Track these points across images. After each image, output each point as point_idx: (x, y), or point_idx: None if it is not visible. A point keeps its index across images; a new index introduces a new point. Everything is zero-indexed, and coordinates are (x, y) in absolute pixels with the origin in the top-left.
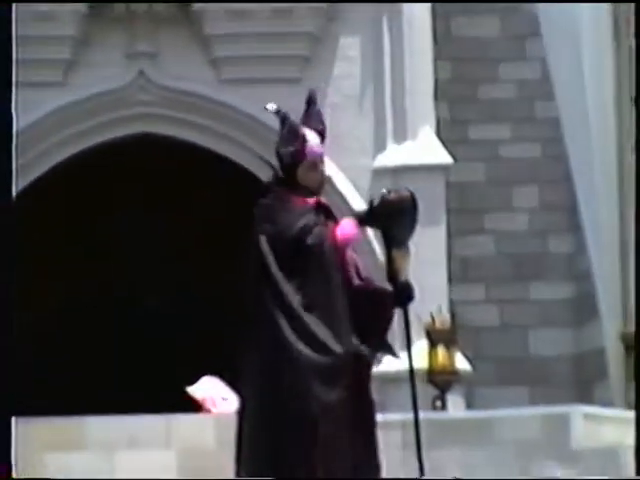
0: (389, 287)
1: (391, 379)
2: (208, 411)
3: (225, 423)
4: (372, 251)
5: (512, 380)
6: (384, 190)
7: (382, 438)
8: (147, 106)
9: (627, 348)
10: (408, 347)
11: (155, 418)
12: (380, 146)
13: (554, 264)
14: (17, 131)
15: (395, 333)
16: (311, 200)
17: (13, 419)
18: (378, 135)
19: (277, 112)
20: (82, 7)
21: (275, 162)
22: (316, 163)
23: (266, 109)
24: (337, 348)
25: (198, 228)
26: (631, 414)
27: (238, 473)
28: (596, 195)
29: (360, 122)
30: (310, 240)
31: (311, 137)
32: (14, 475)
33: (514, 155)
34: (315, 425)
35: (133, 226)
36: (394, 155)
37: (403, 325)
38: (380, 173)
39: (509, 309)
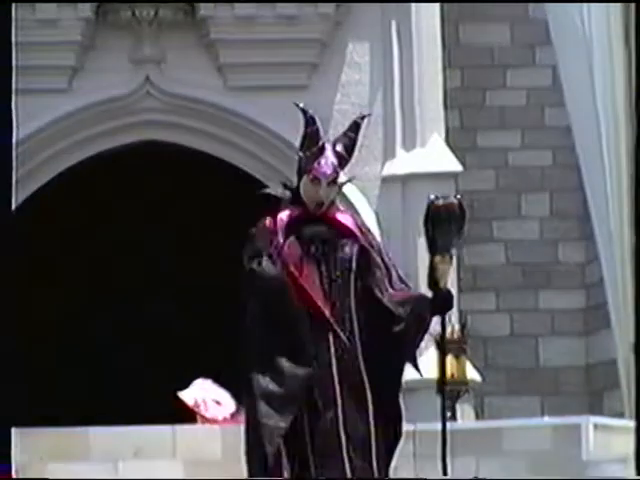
0: (422, 295)
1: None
2: (200, 416)
3: (232, 433)
4: None
5: (522, 390)
6: (432, 196)
7: None
8: (153, 113)
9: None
10: (441, 357)
11: (161, 428)
12: (389, 154)
13: (565, 273)
14: (21, 138)
15: None
16: (305, 212)
17: (14, 429)
18: (387, 143)
19: (304, 112)
20: (88, 13)
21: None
22: (319, 180)
23: (296, 105)
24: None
25: (203, 235)
26: None
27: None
28: (607, 203)
29: (369, 130)
30: (254, 266)
31: (329, 154)
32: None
33: (524, 163)
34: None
35: (137, 234)
36: (403, 163)
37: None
38: (389, 181)
39: (519, 318)
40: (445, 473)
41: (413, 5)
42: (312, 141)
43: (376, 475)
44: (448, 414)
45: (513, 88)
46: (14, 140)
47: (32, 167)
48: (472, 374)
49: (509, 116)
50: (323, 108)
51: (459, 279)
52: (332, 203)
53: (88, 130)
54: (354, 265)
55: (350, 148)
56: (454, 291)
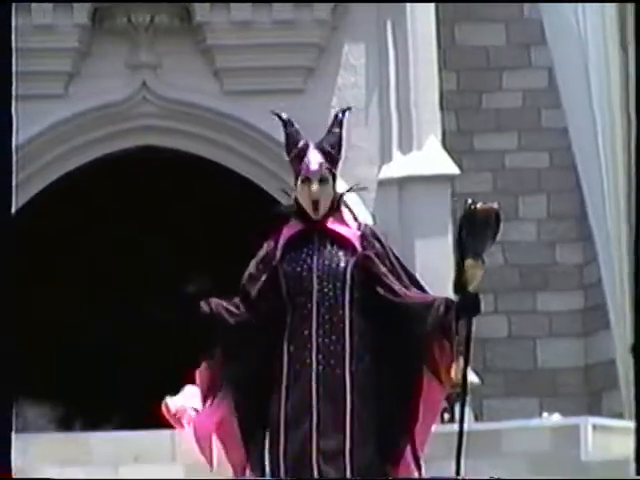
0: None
1: None
2: (181, 426)
3: None
4: None
5: (521, 391)
6: (469, 200)
7: None
8: (150, 118)
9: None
10: (465, 361)
11: (160, 433)
12: (386, 157)
13: (563, 274)
14: (18, 144)
15: None
16: (303, 226)
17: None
18: (384, 146)
19: (278, 116)
20: (84, 19)
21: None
22: (309, 179)
23: (272, 112)
24: None
25: (200, 239)
26: None
27: None
28: (604, 204)
29: (365, 133)
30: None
31: (313, 152)
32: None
33: (521, 165)
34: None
35: (134, 238)
36: (400, 166)
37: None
38: (386, 184)
39: (517, 320)
40: (458, 473)
41: (408, 5)
42: (293, 142)
43: None
44: (446, 416)
45: (509, 90)
46: (14, 145)
47: (29, 173)
48: (470, 376)
49: (505, 118)
50: (319, 111)
51: None
52: (336, 210)
53: (85, 135)
54: (348, 277)
55: (337, 144)
56: (451, 293)
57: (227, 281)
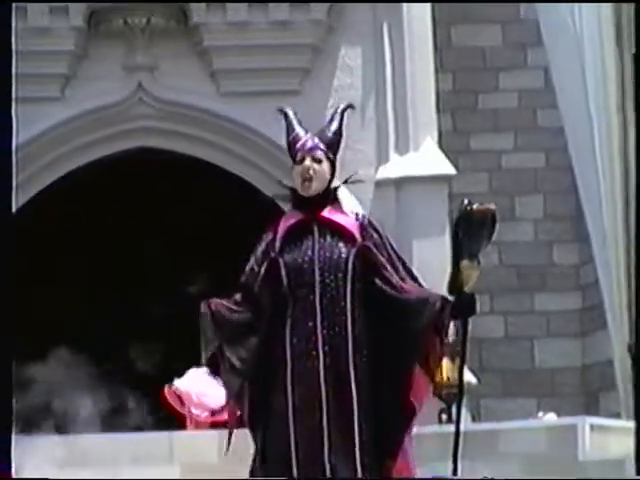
0: (443, 296)
1: None
2: (188, 413)
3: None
4: None
5: (518, 392)
6: (465, 201)
7: None
8: (146, 119)
9: (634, 359)
10: (461, 361)
11: (158, 434)
12: (383, 158)
13: (559, 275)
14: (18, 145)
15: None
16: (301, 216)
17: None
18: (380, 147)
19: (280, 110)
20: (80, 22)
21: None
22: (303, 156)
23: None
24: None
25: (198, 241)
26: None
27: None
28: (601, 204)
29: (362, 134)
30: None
31: (307, 135)
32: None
33: (517, 165)
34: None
35: (133, 240)
36: (397, 166)
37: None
38: (383, 185)
39: (514, 321)
40: (455, 474)
41: (404, 6)
42: (292, 128)
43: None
44: (444, 417)
45: (505, 90)
46: (14, 146)
47: (26, 175)
48: (467, 376)
49: (502, 118)
50: (316, 113)
51: None
52: (334, 201)
53: (83, 137)
54: (350, 267)
55: (337, 131)
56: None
57: (226, 281)
